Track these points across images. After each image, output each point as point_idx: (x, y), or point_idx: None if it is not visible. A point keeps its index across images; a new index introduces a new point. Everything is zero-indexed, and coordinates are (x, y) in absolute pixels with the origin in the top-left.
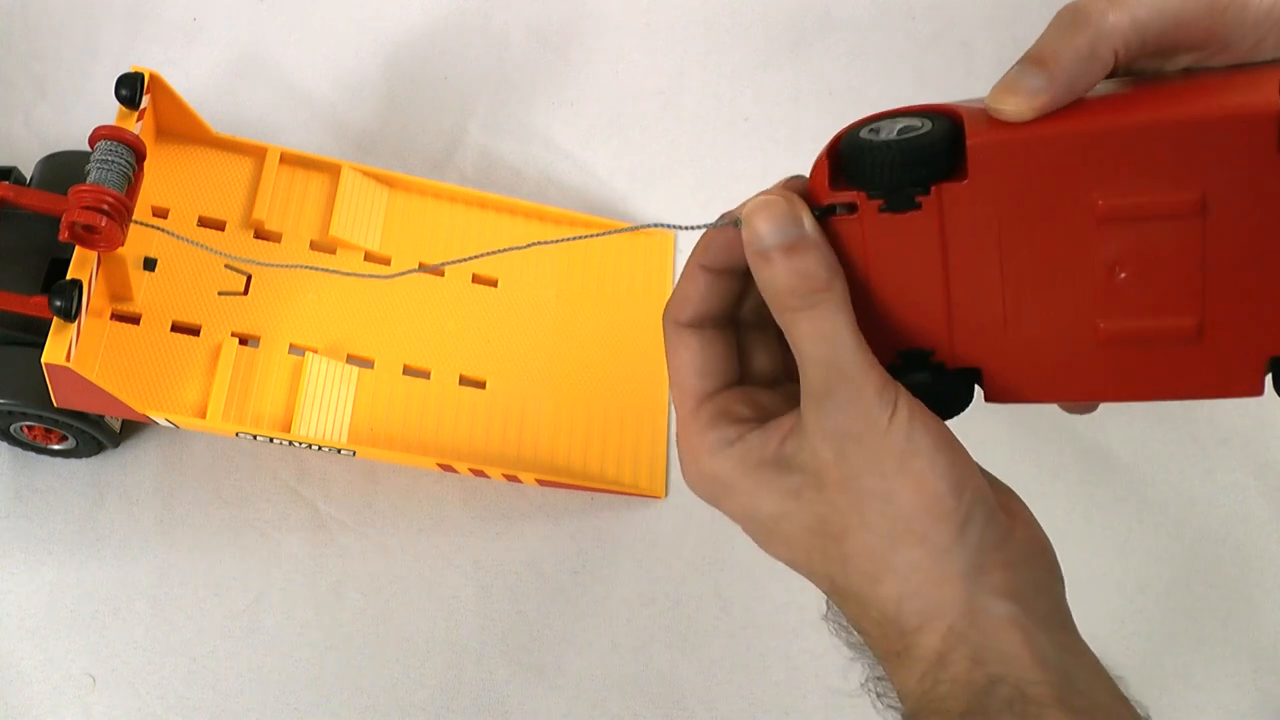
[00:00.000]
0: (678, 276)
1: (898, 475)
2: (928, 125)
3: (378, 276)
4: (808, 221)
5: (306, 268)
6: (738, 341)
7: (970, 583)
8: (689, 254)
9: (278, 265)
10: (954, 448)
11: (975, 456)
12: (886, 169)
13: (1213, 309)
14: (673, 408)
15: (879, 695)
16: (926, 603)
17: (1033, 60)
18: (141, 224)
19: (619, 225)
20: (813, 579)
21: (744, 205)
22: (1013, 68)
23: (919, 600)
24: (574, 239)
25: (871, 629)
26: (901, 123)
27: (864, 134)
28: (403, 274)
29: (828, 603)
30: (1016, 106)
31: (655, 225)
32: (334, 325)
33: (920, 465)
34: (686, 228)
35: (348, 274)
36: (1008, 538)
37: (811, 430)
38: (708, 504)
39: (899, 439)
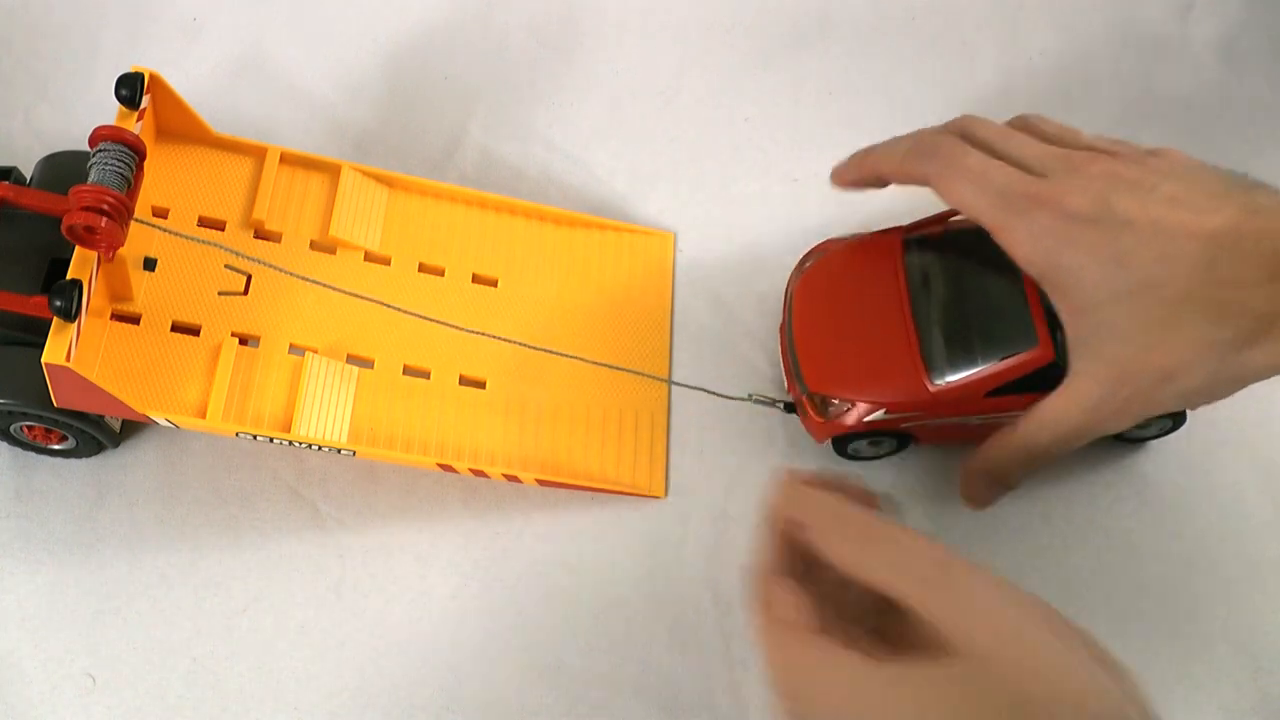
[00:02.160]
0: (677, 277)
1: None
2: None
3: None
4: None
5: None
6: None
7: None
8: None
9: (269, 265)
10: None
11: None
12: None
13: None
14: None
15: None
16: None
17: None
18: (143, 222)
19: (622, 225)
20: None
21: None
22: None
23: None
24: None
25: None
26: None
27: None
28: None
29: None
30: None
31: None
32: (334, 325)
33: None
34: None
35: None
36: None
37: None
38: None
39: None
